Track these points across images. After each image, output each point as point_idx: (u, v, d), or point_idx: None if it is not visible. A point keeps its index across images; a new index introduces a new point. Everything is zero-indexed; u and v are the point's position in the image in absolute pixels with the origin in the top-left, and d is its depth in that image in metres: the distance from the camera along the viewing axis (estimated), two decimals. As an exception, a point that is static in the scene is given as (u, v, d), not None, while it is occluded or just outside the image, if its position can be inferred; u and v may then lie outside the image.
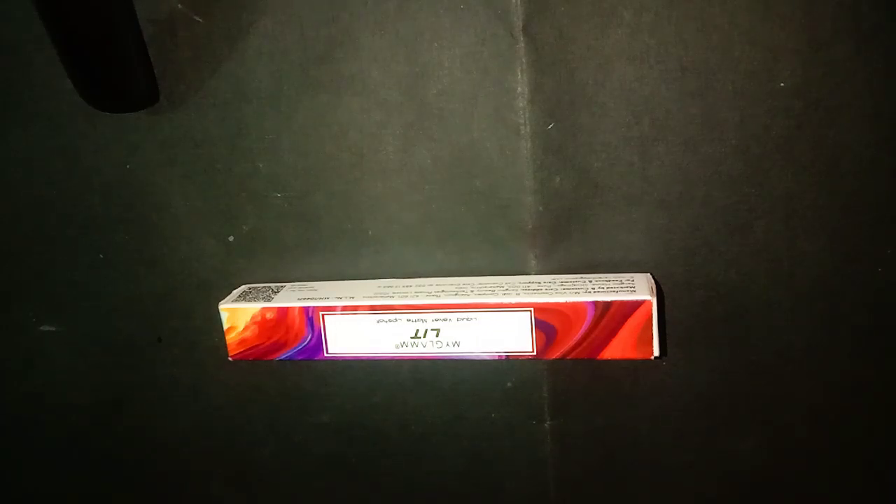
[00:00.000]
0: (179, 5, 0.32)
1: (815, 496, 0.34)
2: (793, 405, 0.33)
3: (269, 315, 0.32)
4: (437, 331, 0.31)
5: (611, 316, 0.29)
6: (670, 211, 0.31)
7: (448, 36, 0.30)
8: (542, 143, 0.31)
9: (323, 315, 0.31)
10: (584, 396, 0.34)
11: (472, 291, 0.31)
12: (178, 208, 0.35)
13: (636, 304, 0.29)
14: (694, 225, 0.31)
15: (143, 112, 0.33)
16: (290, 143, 0.33)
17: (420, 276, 0.33)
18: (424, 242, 0.33)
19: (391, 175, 0.32)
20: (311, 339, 0.32)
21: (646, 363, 0.33)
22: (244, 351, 0.33)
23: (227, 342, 0.33)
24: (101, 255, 0.36)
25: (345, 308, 0.31)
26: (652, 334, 0.29)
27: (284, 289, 0.33)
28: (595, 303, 0.29)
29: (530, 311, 0.30)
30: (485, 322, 0.30)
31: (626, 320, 0.29)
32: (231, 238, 0.35)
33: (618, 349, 0.29)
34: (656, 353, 0.29)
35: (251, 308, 0.32)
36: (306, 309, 0.32)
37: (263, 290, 0.33)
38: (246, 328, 0.32)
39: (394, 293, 0.32)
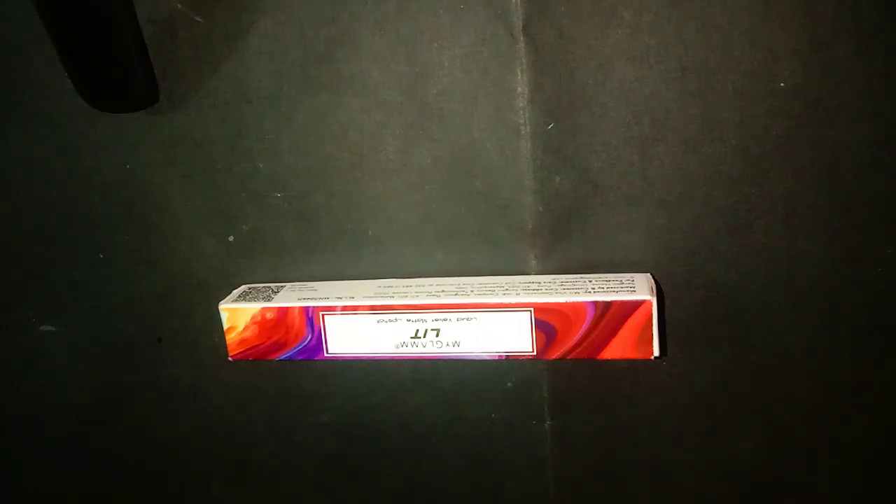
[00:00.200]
0: (179, 5, 0.32)
1: (815, 496, 0.34)
2: (793, 405, 0.33)
3: (269, 315, 0.32)
4: (437, 331, 0.31)
5: (611, 316, 0.29)
6: (670, 211, 0.31)
7: (448, 36, 0.30)
8: (542, 143, 0.31)
9: (323, 315, 0.31)
10: (584, 396, 0.34)
11: (472, 291, 0.31)
12: (178, 208, 0.35)
13: (636, 304, 0.29)
14: (694, 225, 0.31)
15: (143, 112, 0.33)
16: (290, 143, 0.33)
17: (420, 276, 0.33)
18: (424, 242, 0.33)
19: (391, 175, 0.32)
20: (311, 339, 0.32)
21: (646, 363, 0.33)
22: (244, 351, 0.33)
23: (227, 342, 0.33)
24: (101, 255, 0.36)
25: (345, 308, 0.31)
26: (652, 334, 0.29)
27: (284, 289, 0.33)
28: (595, 303, 0.29)
29: (530, 311, 0.30)
30: (485, 322, 0.30)
31: (626, 320, 0.29)
32: (231, 238, 0.35)
33: (618, 349, 0.29)
34: (656, 353, 0.29)
35: (251, 308, 0.32)
36: (306, 309, 0.32)
37: (263, 290, 0.33)
38: (246, 328, 0.32)
39: (394, 293, 0.32)
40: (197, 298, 0.35)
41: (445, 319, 0.30)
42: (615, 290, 0.29)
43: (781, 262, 0.31)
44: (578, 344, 0.30)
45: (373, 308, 0.31)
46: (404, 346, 0.31)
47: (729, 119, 0.30)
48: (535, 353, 0.30)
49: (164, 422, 0.38)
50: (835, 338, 0.32)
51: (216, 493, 0.39)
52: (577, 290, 0.30)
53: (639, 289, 0.29)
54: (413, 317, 0.31)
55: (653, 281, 0.30)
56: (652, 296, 0.29)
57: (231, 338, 0.33)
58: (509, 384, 0.35)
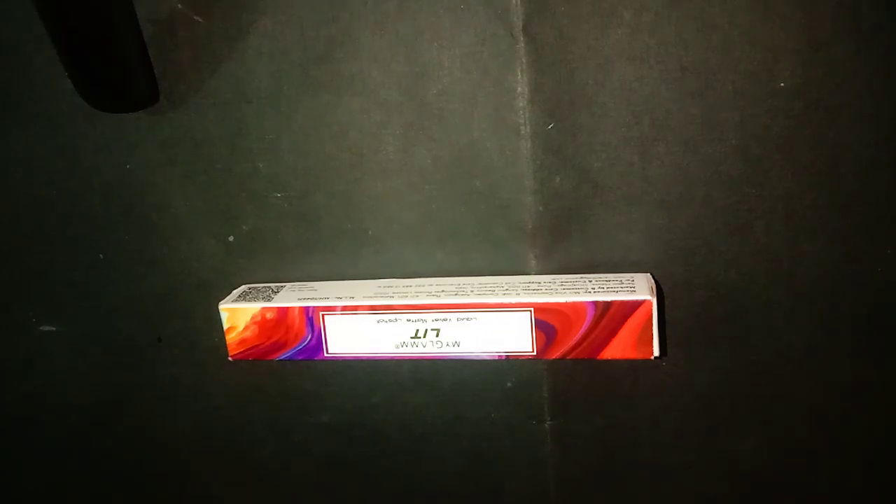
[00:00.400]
0: (179, 5, 0.32)
1: (815, 496, 0.34)
2: (793, 405, 0.33)
3: (269, 315, 0.32)
4: (437, 331, 0.31)
5: (611, 316, 0.29)
6: (670, 211, 0.31)
7: (448, 36, 0.30)
8: (542, 143, 0.31)
9: (323, 315, 0.31)
10: (584, 396, 0.34)
11: (472, 291, 0.31)
12: (178, 208, 0.35)
13: (636, 304, 0.29)
14: (694, 225, 0.31)
15: (143, 112, 0.33)
16: (290, 143, 0.33)
17: (420, 276, 0.33)
18: (424, 242, 0.33)
19: (391, 175, 0.32)
20: (311, 339, 0.32)
21: (646, 363, 0.33)
22: (244, 351, 0.33)
23: (227, 342, 0.33)
24: (101, 255, 0.36)
25: (345, 308, 0.31)
26: (652, 334, 0.29)
27: (284, 289, 0.33)
28: (595, 303, 0.29)
29: (530, 311, 0.30)
30: (485, 322, 0.30)
31: (626, 320, 0.29)
32: (231, 238, 0.35)
33: (618, 349, 0.29)
34: (656, 353, 0.29)
35: (251, 308, 0.32)
36: (306, 309, 0.32)
37: (263, 290, 0.33)
38: (246, 328, 0.32)
39: (394, 293, 0.32)
40: (197, 298, 0.35)
41: (445, 319, 0.30)
42: (615, 290, 0.29)
43: (781, 262, 0.31)
44: (578, 344, 0.30)
45: (373, 308, 0.31)
46: (404, 346, 0.31)
47: (729, 119, 0.30)
48: (535, 353, 0.30)
49: (164, 422, 0.38)
50: (835, 338, 0.32)
51: (216, 493, 0.39)
52: (577, 290, 0.30)
53: (639, 289, 0.29)
54: (413, 317, 0.31)
55: (653, 281, 0.30)
56: (652, 296, 0.29)
57: (231, 338, 0.33)
58: (509, 384, 0.35)
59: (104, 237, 0.35)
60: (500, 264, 0.33)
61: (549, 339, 0.30)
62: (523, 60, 0.30)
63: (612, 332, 0.29)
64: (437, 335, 0.31)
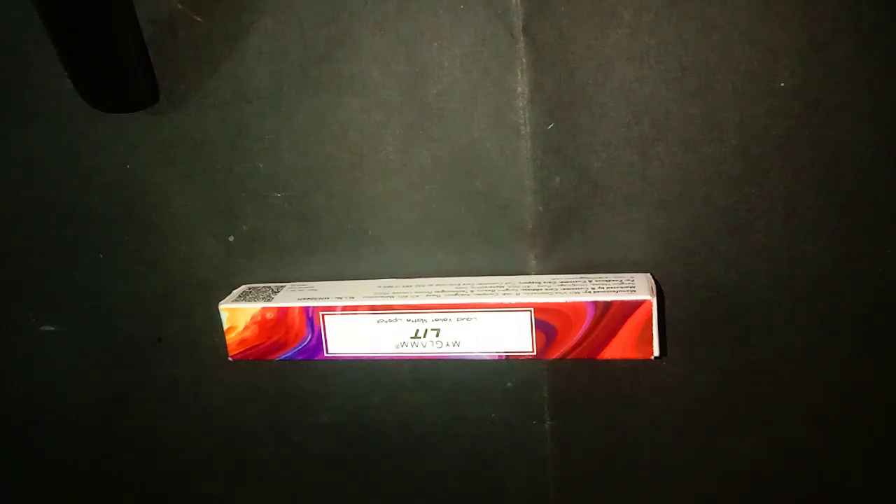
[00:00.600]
0: (179, 5, 0.32)
1: (815, 496, 0.34)
2: (793, 405, 0.33)
3: (269, 315, 0.32)
4: (437, 331, 0.31)
5: (611, 316, 0.29)
6: (670, 211, 0.31)
7: (448, 36, 0.30)
8: (542, 143, 0.31)
9: (323, 315, 0.31)
10: (584, 396, 0.34)
11: (472, 291, 0.31)
12: (178, 208, 0.35)
13: (636, 304, 0.29)
14: (694, 225, 0.31)
15: (143, 112, 0.33)
16: (290, 143, 0.33)
17: (420, 276, 0.33)
18: (424, 242, 0.33)
19: (391, 175, 0.32)
20: (311, 339, 0.32)
21: (646, 363, 0.33)
22: (244, 351, 0.33)
23: (227, 342, 0.33)
24: (101, 255, 0.36)
25: (345, 308, 0.31)
26: (652, 334, 0.29)
27: (284, 289, 0.33)
28: (595, 303, 0.29)
29: (530, 311, 0.30)
30: (485, 322, 0.30)
31: (626, 320, 0.29)
32: (231, 238, 0.35)
33: (618, 349, 0.29)
34: (656, 353, 0.29)
35: (251, 308, 0.32)
36: (306, 309, 0.32)
37: (263, 290, 0.33)
38: (246, 328, 0.32)
39: (394, 293, 0.32)
40: (197, 298, 0.35)
41: (445, 319, 0.30)
42: (615, 290, 0.29)
43: (781, 262, 0.31)
44: (578, 344, 0.30)
45: (373, 308, 0.31)
46: (404, 346, 0.31)
47: (729, 119, 0.30)
48: (535, 353, 0.30)
49: (164, 422, 0.38)
50: (835, 338, 0.32)
51: (216, 493, 0.39)
52: (577, 290, 0.30)
53: (639, 289, 0.29)
54: (413, 317, 0.31)
55: (653, 281, 0.30)
56: (652, 296, 0.29)
57: (231, 338, 0.33)
58: (509, 384, 0.35)
59: (104, 237, 0.35)
60: (500, 264, 0.33)
61: (549, 339, 0.30)
62: (523, 60, 0.30)
63: (612, 332, 0.29)
64: (437, 335, 0.31)
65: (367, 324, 0.31)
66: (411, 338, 0.31)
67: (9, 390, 0.39)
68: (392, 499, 0.38)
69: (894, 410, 0.32)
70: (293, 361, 0.34)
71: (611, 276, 0.31)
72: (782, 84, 0.29)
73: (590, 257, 0.32)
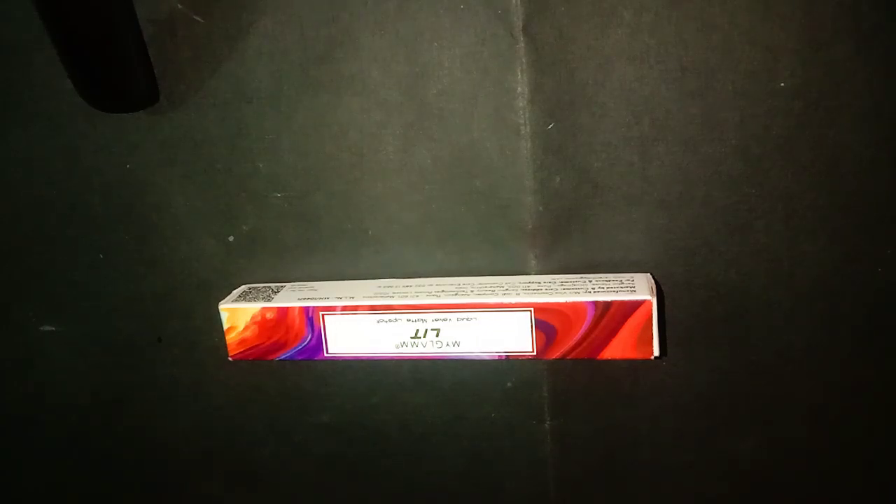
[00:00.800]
0: (179, 5, 0.32)
1: (815, 496, 0.34)
2: (793, 405, 0.33)
3: (269, 315, 0.32)
4: (437, 331, 0.31)
5: (611, 316, 0.29)
6: (670, 211, 0.31)
7: (448, 36, 0.30)
8: (542, 143, 0.31)
9: (323, 315, 0.31)
10: (584, 396, 0.34)
11: (472, 291, 0.31)
12: (178, 208, 0.35)
13: (636, 304, 0.29)
14: (694, 225, 0.31)
15: (143, 112, 0.33)
16: (290, 143, 0.33)
17: (420, 276, 0.33)
18: (424, 242, 0.33)
19: (391, 175, 0.32)
20: (311, 339, 0.32)
21: (646, 363, 0.33)
22: (244, 351, 0.33)
23: (227, 342, 0.33)
24: (101, 255, 0.36)
25: (345, 308, 0.31)
26: (652, 334, 0.29)
27: (284, 289, 0.33)
28: (595, 303, 0.29)
29: (530, 311, 0.30)
30: (485, 322, 0.30)
31: (626, 320, 0.29)
32: (231, 238, 0.35)
33: (618, 349, 0.29)
34: (656, 353, 0.29)
35: (251, 308, 0.32)
36: (306, 309, 0.32)
37: (263, 290, 0.33)
38: (246, 328, 0.32)
39: (394, 293, 0.32)
40: (197, 298, 0.35)
41: (445, 319, 0.30)
42: (615, 290, 0.29)
43: (781, 262, 0.31)
44: (578, 344, 0.30)
45: (373, 308, 0.31)
46: (404, 346, 0.31)
47: (729, 119, 0.30)
48: (535, 353, 0.30)
49: (164, 422, 0.38)
50: (835, 338, 0.32)
51: (216, 493, 0.39)
52: (577, 290, 0.30)
53: (639, 289, 0.29)
54: (413, 317, 0.31)
55: (653, 281, 0.30)
56: (652, 296, 0.29)
57: (231, 338, 0.33)
58: (509, 384, 0.35)
59: (104, 237, 0.35)
60: (500, 264, 0.33)
61: (549, 339, 0.30)
62: (523, 60, 0.30)
63: (612, 332, 0.29)
64: (437, 335, 0.31)
65: (367, 324, 0.31)
66: (411, 338, 0.31)
67: (9, 390, 0.39)
68: (392, 499, 0.38)
69: (894, 410, 0.32)
70: (293, 361, 0.34)
71: (611, 276, 0.31)
72: (782, 84, 0.29)
73: (590, 257, 0.32)
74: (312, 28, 0.31)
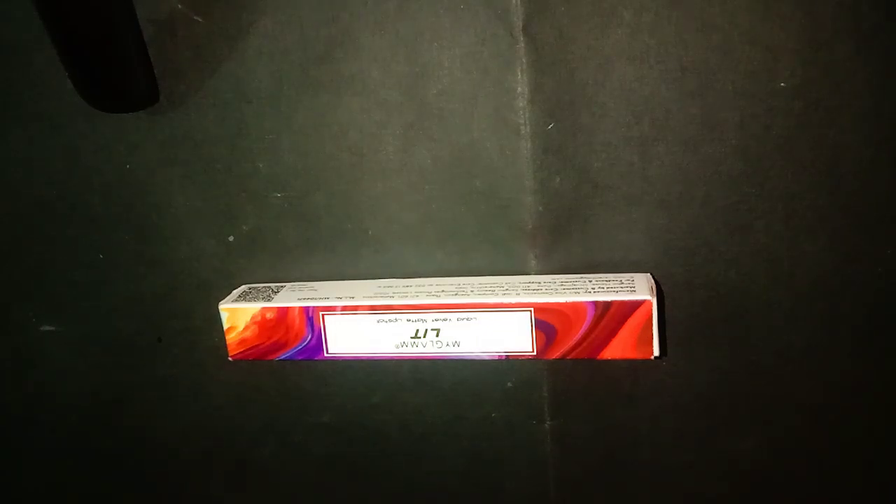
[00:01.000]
0: (179, 5, 0.32)
1: (815, 496, 0.34)
2: (793, 405, 0.33)
3: (269, 315, 0.32)
4: (437, 331, 0.31)
5: (611, 316, 0.29)
6: (670, 211, 0.31)
7: (448, 36, 0.30)
8: (542, 143, 0.31)
9: (323, 315, 0.31)
10: (584, 396, 0.34)
11: (472, 291, 0.31)
12: (178, 208, 0.35)
13: (636, 304, 0.29)
14: (694, 225, 0.31)
15: (143, 112, 0.33)
16: (290, 143, 0.33)
17: (420, 276, 0.33)
18: (424, 242, 0.33)
19: (391, 175, 0.32)
20: (311, 339, 0.32)
21: (646, 363, 0.33)
22: (244, 351, 0.33)
23: (227, 342, 0.33)
24: (101, 255, 0.36)
25: (345, 308, 0.31)
26: (652, 334, 0.29)
27: (284, 289, 0.33)
28: (595, 303, 0.29)
29: (530, 311, 0.30)
30: (485, 322, 0.30)
31: (626, 320, 0.29)
32: (231, 238, 0.35)
33: (618, 349, 0.29)
34: (656, 353, 0.29)
35: (251, 308, 0.32)
36: (306, 309, 0.32)
37: (263, 290, 0.33)
38: (246, 328, 0.32)
39: (394, 293, 0.32)
40: (197, 298, 0.35)
41: (445, 319, 0.30)
42: (615, 290, 0.29)
43: (781, 262, 0.31)
44: (578, 344, 0.30)
45: (373, 308, 0.31)
46: (404, 346, 0.31)
47: (729, 119, 0.30)
48: (535, 353, 0.30)
49: (164, 422, 0.38)
50: (835, 338, 0.32)
51: (216, 493, 0.39)
52: (577, 290, 0.30)
53: (639, 289, 0.29)
54: (413, 317, 0.31)
55: (653, 281, 0.30)
56: (652, 296, 0.29)
57: (231, 338, 0.33)
58: (509, 384, 0.35)
59: (104, 237, 0.35)
60: (500, 264, 0.33)
61: (549, 339, 0.30)
62: (523, 60, 0.30)
63: (612, 332, 0.29)
64: (437, 335, 0.31)
65: (367, 324, 0.31)
66: (411, 338, 0.31)
67: (9, 390, 0.39)
68: (392, 499, 0.38)
69: (894, 410, 0.32)
70: (293, 361, 0.34)
71: (611, 276, 0.31)
72: (782, 84, 0.29)
73: (590, 257, 0.32)
74: (312, 28, 0.31)
